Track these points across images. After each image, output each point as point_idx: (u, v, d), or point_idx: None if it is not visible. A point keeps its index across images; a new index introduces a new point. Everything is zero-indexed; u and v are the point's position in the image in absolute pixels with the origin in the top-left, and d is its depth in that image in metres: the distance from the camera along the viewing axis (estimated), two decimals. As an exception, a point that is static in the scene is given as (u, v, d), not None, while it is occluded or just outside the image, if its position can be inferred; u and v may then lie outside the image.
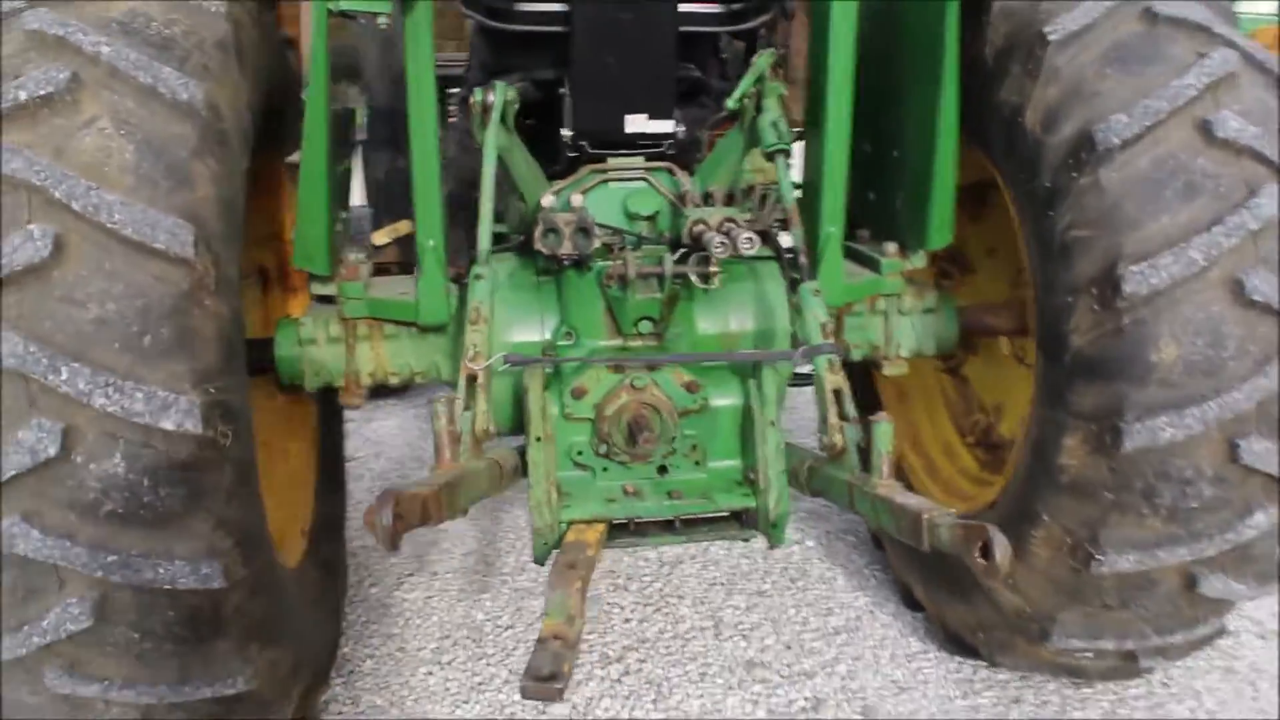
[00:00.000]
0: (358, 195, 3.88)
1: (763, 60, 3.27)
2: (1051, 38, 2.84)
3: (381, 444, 5.58)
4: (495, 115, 3.14)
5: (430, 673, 3.58)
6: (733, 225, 2.98)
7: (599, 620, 3.86)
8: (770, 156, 3.22)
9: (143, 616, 2.33)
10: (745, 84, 3.27)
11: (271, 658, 2.68)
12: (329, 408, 3.90)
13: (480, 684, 3.50)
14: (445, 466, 2.45)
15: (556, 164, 3.50)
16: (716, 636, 3.77)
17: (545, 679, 2.21)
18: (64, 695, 2.33)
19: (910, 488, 3.86)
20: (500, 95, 3.18)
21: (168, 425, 2.24)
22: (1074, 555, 2.81)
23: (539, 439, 2.83)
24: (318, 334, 3.22)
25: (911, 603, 3.88)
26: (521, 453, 2.86)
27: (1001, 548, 1.96)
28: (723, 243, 2.86)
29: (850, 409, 2.76)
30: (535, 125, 3.60)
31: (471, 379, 2.73)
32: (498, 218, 3.65)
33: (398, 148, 3.93)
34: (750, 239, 2.87)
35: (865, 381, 4.02)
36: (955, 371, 4.12)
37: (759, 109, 3.25)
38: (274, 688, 2.74)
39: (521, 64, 3.47)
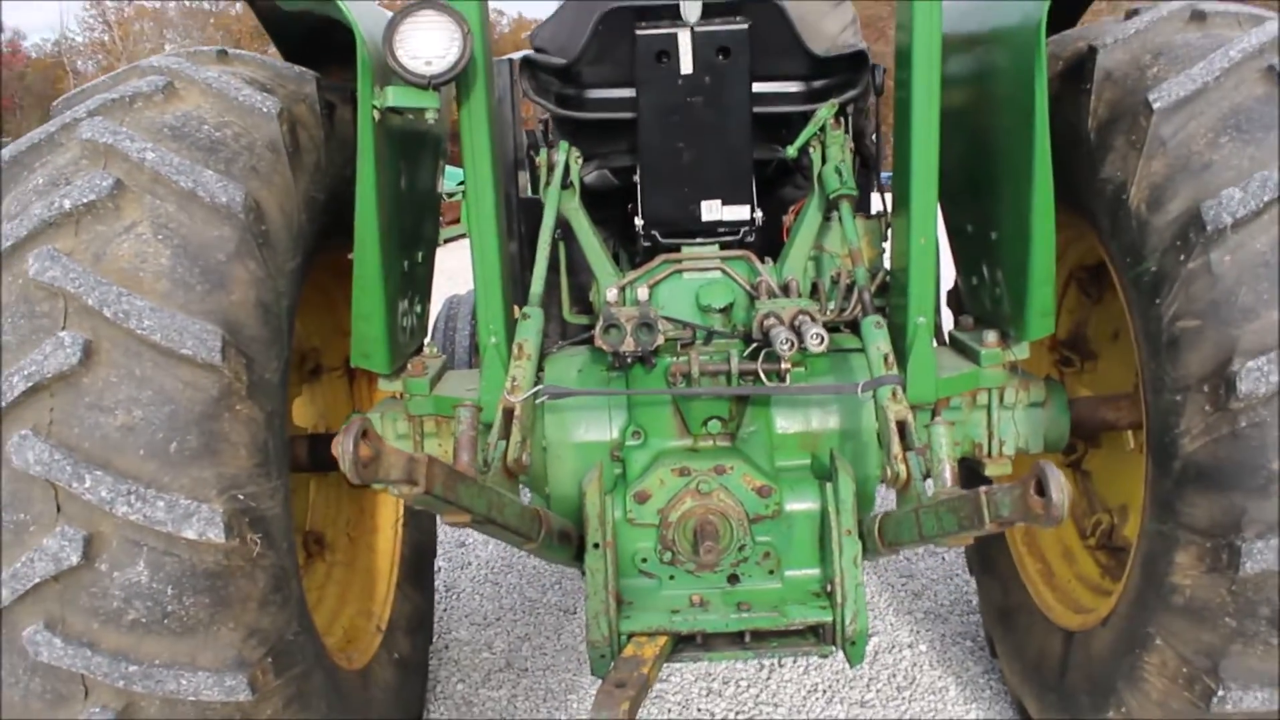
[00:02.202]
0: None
1: (824, 111, 3.24)
2: (1157, 105, 2.57)
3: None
4: (558, 173, 3.26)
5: (501, 782, 3.42)
6: (806, 319, 2.80)
7: (686, 729, 3.65)
8: (835, 204, 3.16)
9: (170, 728, 2.28)
10: (806, 134, 3.25)
11: (314, 768, 2.59)
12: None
13: (551, 798, 3.33)
14: (460, 468, 2.30)
15: (637, 254, 3.39)
16: (808, 754, 3.50)
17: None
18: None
19: (1025, 596, 3.53)
20: (564, 154, 3.27)
21: (190, 534, 2.20)
22: (1192, 688, 2.47)
23: (596, 545, 2.68)
24: (385, 431, 3.17)
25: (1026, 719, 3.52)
26: (582, 539, 2.73)
27: (1057, 483, 1.69)
28: (788, 339, 2.67)
29: (915, 439, 2.57)
30: (616, 215, 3.52)
31: (509, 411, 2.70)
32: (584, 308, 3.58)
33: (509, 232, 3.92)
34: (819, 335, 2.68)
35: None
36: (1077, 465, 3.77)
37: (825, 160, 3.20)
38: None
39: (594, 152, 3.39)
